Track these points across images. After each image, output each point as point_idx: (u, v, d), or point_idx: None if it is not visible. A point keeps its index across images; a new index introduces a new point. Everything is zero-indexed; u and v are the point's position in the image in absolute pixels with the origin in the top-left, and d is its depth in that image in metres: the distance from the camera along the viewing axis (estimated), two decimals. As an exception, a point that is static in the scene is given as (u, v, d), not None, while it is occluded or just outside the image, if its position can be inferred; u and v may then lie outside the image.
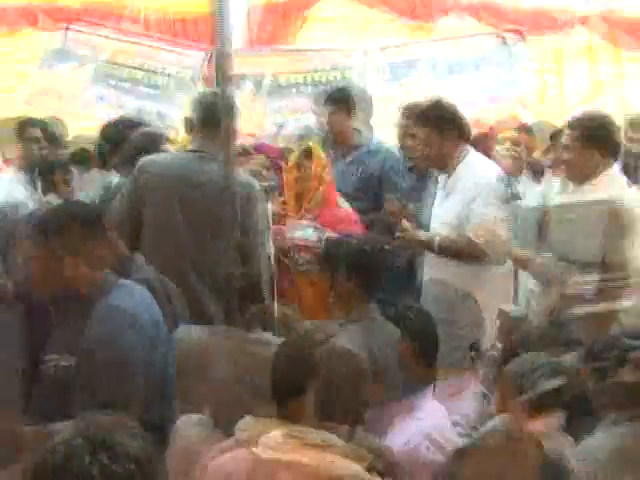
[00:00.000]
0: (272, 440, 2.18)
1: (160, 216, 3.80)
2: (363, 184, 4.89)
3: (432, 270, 4.36)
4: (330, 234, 4.34)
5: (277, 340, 2.99)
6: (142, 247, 3.80)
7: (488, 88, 6.50)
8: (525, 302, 4.31)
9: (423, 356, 3.31)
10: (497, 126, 5.08)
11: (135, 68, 6.27)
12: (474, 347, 3.42)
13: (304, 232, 4.43)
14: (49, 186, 4.46)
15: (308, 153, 4.58)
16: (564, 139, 4.13)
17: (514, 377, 2.60)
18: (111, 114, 5.87)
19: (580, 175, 4.07)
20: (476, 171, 4.22)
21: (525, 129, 4.97)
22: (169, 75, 6.24)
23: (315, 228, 4.42)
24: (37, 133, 4.79)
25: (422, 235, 4.31)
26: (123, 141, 4.39)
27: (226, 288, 3.28)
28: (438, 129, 4.21)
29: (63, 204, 3.19)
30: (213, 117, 3.68)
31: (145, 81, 6.29)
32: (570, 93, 7.44)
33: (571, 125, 4.12)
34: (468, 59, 6.58)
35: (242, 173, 3.86)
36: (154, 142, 4.36)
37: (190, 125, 4.03)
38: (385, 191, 4.90)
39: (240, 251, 3.57)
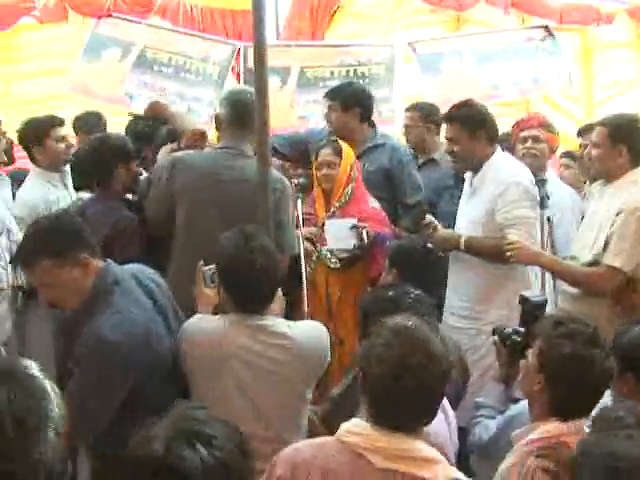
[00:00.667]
0: (387, 449, 2.14)
1: (193, 214, 3.83)
2: (368, 181, 4.80)
3: (457, 266, 4.36)
4: (371, 233, 4.34)
5: (290, 330, 3.01)
6: (175, 245, 3.87)
7: (517, 81, 6.45)
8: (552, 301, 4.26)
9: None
10: (520, 124, 4.99)
11: (175, 54, 6.27)
12: (497, 331, 3.43)
13: (345, 241, 4.41)
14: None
15: (337, 149, 4.60)
16: (594, 136, 4.13)
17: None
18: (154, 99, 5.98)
19: (607, 173, 4.07)
20: (505, 170, 4.21)
21: (547, 126, 4.88)
22: (198, 69, 6.24)
23: (355, 226, 4.39)
24: (63, 132, 4.79)
25: (449, 234, 4.30)
26: (149, 137, 4.42)
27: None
28: (468, 128, 4.23)
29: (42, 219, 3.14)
30: (243, 114, 3.76)
31: (188, 67, 6.27)
32: (598, 89, 7.40)
33: (599, 122, 4.14)
34: (496, 52, 6.52)
35: (273, 170, 3.86)
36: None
37: (220, 122, 4.04)
38: (397, 184, 4.92)
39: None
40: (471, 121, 4.24)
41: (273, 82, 6.25)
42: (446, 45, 6.71)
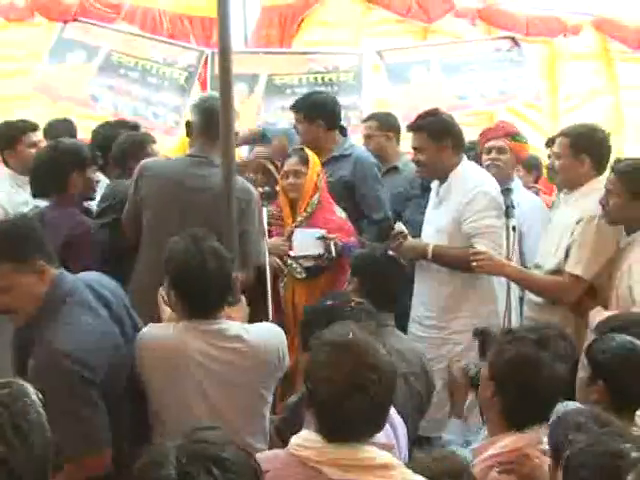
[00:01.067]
0: (341, 460, 2.10)
1: (156, 220, 3.83)
2: (331, 190, 4.77)
3: (423, 275, 4.37)
4: (339, 244, 4.33)
5: (245, 333, 2.98)
6: (141, 250, 3.88)
7: (484, 91, 6.50)
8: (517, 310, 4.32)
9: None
10: (486, 133, 4.99)
11: (142, 58, 6.24)
12: (478, 332, 3.38)
13: (311, 250, 4.39)
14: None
15: (304, 158, 4.57)
16: (556, 147, 4.19)
17: None
18: (119, 103, 5.98)
19: (571, 182, 4.11)
20: (471, 179, 4.23)
21: (513, 135, 4.90)
22: (164, 74, 6.22)
23: (323, 237, 4.37)
24: (35, 137, 4.77)
25: (416, 243, 4.30)
26: (111, 143, 4.43)
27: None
28: (434, 137, 4.24)
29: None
30: (212, 122, 3.71)
31: (154, 72, 6.24)
32: (563, 100, 7.46)
33: (564, 133, 4.18)
34: (463, 63, 6.55)
35: (240, 179, 3.84)
36: (141, 144, 4.44)
37: (190, 129, 4.03)
38: (359, 197, 4.89)
39: (238, 256, 3.60)
40: (437, 130, 4.26)
41: (240, 89, 6.27)
42: (414, 54, 6.74)
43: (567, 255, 3.94)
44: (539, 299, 4.09)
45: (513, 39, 6.75)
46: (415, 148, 4.38)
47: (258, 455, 2.11)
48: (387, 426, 2.41)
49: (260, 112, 6.36)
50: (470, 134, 4.98)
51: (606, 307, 3.73)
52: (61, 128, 5.28)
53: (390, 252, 3.69)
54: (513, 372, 2.54)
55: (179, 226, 3.57)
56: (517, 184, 4.88)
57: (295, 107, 5.04)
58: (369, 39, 7.27)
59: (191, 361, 2.92)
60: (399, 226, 4.34)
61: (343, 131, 5.10)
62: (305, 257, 4.41)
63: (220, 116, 3.51)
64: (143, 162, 3.95)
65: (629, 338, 2.63)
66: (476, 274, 4.12)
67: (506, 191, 4.20)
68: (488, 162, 4.80)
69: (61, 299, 2.82)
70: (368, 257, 3.70)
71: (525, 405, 2.52)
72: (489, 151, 4.85)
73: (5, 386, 1.73)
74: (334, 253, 4.33)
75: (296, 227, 4.49)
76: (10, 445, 1.63)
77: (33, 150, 4.64)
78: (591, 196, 3.92)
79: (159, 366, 2.93)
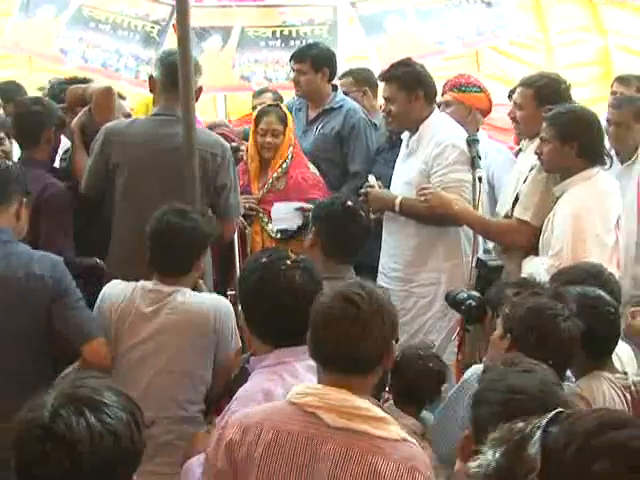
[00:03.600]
0: (340, 407, 2.11)
1: (131, 185, 3.82)
2: (322, 143, 4.88)
3: (390, 227, 4.38)
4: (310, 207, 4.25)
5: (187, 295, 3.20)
6: (116, 217, 3.87)
7: (461, 34, 6.39)
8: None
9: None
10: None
11: (113, 13, 6.15)
12: (450, 297, 3.45)
13: (291, 222, 4.41)
14: None
15: (282, 117, 4.55)
16: (517, 97, 4.17)
17: None
18: (89, 55, 5.92)
19: (531, 132, 4.09)
20: (441, 131, 4.22)
21: (459, 87, 4.79)
22: (136, 27, 6.14)
23: (296, 209, 4.40)
24: None
25: (385, 194, 4.30)
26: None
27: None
28: (405, 87, 4.23)
29: None
30: (177, 77, 3.67)
31: (125, 25, 6.17)
32: (553, 35, 7.42)
33: (522, 83, 4.17)
34: (439, 9, 6.45)
35: (212, 134, 3.94)
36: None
37: (153, 85, 3.98)
38: (345, 149, 4.92)
39: (214, 211, 3.76)
40: (408, 81, 4.25)
41: (214, 41, 6.26)
42: (388, 4, 6.61)
43: (516, 200, 3.96)
44: (498, 248, 4.10)
45: None
46: (386, 98, 4.36)
47: (257, 406, 2.28)
48: None
49: (235, 65, 6.30)
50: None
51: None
52: (10, 90, 5.22)
53: (349, 202, 3.63)
54: (532, 323, 2.53)
55: (157, 188, 3.70)
56: (482, 135, 4.82)
57: (299, 57, 5.04)
58: None
59: (134, 317, 3.18)
60: (371, 179, 4.35)
61: (333, 85, 5.12)
62: (285, 231, 4.41)
63: (179, 69, 3.53)
64: (108, 125, 3.89)
65: (544, 300, 2.62)
66: (443, 228, 4.14)
67: (472, 142, 4.19)
68: None
69: None
70: (326, 206, 3.66)
71: (543, 361, 2.35)
72: (438, 105, 4.77)
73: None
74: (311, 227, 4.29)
75: (270, 189, 4.53)
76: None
77: None
78: None
79: (113, 318, 3.22)
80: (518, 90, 4.17)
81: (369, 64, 6.17)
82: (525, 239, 3.93)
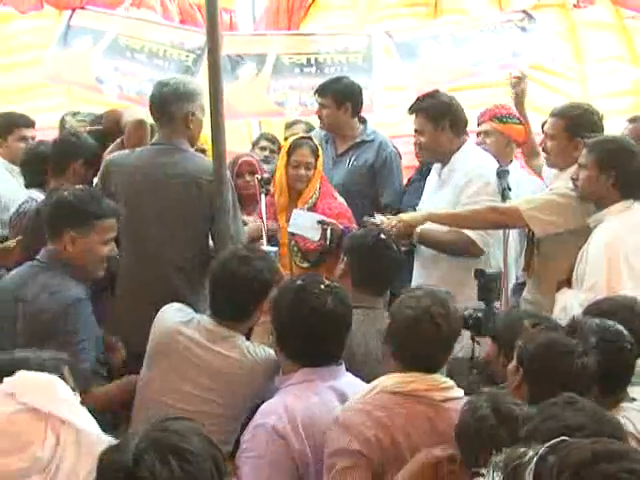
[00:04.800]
0: (435, 384, 2.65)
1: (131, 213, 3.82)
2: (355, 176, 4.88)
3: (421, 259, 4.33)
4: (337, 230, 4.31)
5: (243, 350, 3.16)
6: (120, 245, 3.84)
7: (497, 56, 6.24)
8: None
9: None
10: (478, 119, 4.93)
11: (149, 41, 6.18)
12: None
13: (308, 231, 4.38)
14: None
15: (314, 150, 4.56)
16: (547, 127, 4.17)
17: None
18: (124, 84, 5.94)
19: (562, 163, 4.06)
20: (470, 161, 4.19)
21: (500, 118, 4.81)
22: (171, 55, 6.15)
23: (322, 221, 4.35)
24: (29, 132, 4.96)
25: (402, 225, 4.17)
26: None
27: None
28: (432, 118, 4.24)
29: None
30: (162, 108, 3.83)
31: (161, 55, 6.18)
32: (589, 66, 7.33)
33: (554, 113, 4.13)
34: (474, 33, 6.35)
35: (201, 158, 3.98)
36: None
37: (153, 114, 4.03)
38: (378, 182, 4.94)
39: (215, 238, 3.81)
40: (435, 112, 4.25)
41: (249, 69, 6.25)
42: (423, 31, 6.59)
43: None
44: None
45: (524, 11, 6.52)
46: (416, 130, 4.37)
47: (356, 406, 2.62)
48: None
49: (269, 91, 6.29)
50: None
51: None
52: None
53: (382, 235, 3.66)
54: (543, 358, 2.54)
55: (155, 215, 3.75)
56: (515, 166, 4.81)
57: (322, 91, 5.04)
58: (377, 24, 7.17)
59: (179, 345, 3.16)
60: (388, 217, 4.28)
61: (361, 118, 5.14)
62: (302, 236, 4.37)
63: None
64: (108, 158, 3.94)
65: (557, 335, 2.65)
66: (473, 261, 4.06)
67: (502, 173, 4.14)
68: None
69: None
70: (359, 238, 3.69)
71: (554, 396, 2.39)
72: (477, 136, 4.81)
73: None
74: (329, 240, 4.29)
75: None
76: None
77: (22, 144, 4.81)
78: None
79: (154, 339, 3.24)
80: (550, 120, 4.14)
81: (407, 93, 6.03)
82: (502, 219, 3.91)
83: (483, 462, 1.69)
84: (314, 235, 4.34)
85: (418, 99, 4.39)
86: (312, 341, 2.77)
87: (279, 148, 5.48)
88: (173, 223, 3.72)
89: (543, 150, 4.31)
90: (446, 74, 6.03)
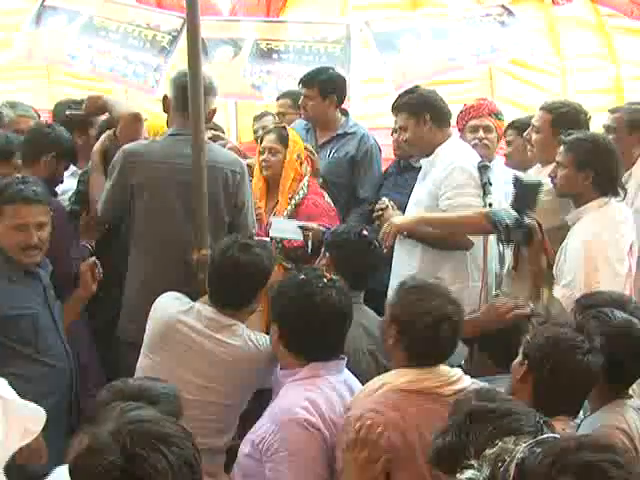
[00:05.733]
0: (446, 379, 2.65)
1: (155, 205, 3.77)
2: (335, 167, 4.85)
3: (399, 251, 4.29)
4: (316, 231, 4.25)
5: (242, 338, 3.14)
6: (134, 239, 3.84)
7: (475, 51, 6.28)
8: (493, 285, 4.25)
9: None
10: (470, 111, 4.87)
11: (124, 22, 6.12)
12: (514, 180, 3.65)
13: (290, 235, 4.32)
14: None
15: (283, 137, 4.49)
16: (534, 119, 4.15)
17: None
18: (97, 60, 5.90)
19: (545, 158, 4.06)
20: (451, 154, 4.16)
21: (497, 114, 4.84)
22: (146, 36, 6.10)
23: (299, 227, 4.30)
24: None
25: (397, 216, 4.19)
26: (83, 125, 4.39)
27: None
28: (413, 114, 4.20)
29: None
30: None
31: (136, 35, 6.12)
32: (568, 60, 7.34)
33: (542, 107, 4.13)
34: (453, 27, 6.36)
35: (230, 152, 4.00)
36: None
37: (168, 105, 3.95)
38: (357, 174, 4.90)
39: (234, 229, 3.85)
40: (415, 106, 4.20)
41: (225, 51, 6.25)
42: (402, 23, 6.52)
43: None
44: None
45: (503, 6, 6.51)
46: (400, 128, 4.34)
47: (366, 404, 2.58)
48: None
49: (245, 74, 6.28)
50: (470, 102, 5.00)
51: None
52: None
53: (365, 232, 3.66)
54: (549, 352, 2.54)
55: (179, 208, 3.73)
56: (498, 161, 4.80)
57: (308, 82, 4.97)
58: (356, 13, 7.10)
59: (179, 333, 3.14)
60: (384, 200, 4.33)
61: (343, 110, 5.12)
62: (284, 239, 4.33)
63: (189, 86, 3.56)
64: (126, 148, 3.85)
65: (564, 329, 2.63)
66: (449, 252, 4.07)
67: (483, 167, 4.10)
68: (475, 141, 4.72)
69: None
70: (341, 234, 3.69)
71: (557, 391, 2.50)
72: (475, 129, 4.75)
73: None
74: (309, 248, 4.24)
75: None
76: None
77: None
78: None
79: (154, 327, 3.22)
80: (537, 113, 4.14)
81: (384, 86, 6.13)
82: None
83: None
84: (293, 236, 4.30)
85: (399, 96, 4.37)
86: (319, 335, 2.79)
87: None
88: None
89: (527, 142, 4.31)
90: (425, 68, 6.01)
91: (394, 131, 4.75)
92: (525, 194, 3.57)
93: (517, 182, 3.61)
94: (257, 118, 5.99)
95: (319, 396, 2.71)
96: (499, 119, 4.83)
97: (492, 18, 6.46)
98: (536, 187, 3.61)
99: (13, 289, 3.40)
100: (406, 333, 2.65)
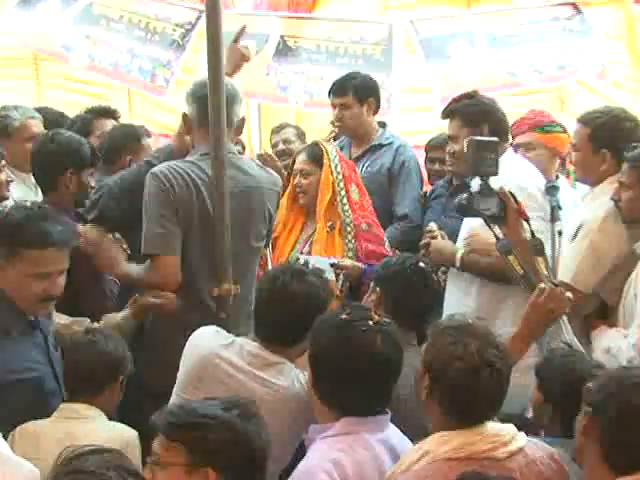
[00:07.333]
0: (498, 439, 2.38)
1: (202, 231, 3.47)
2: (369, 181, 4.51)
3: (452, 286, 3.92)
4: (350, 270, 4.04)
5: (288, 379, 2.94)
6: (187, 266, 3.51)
7: (539, 67, 5.88)
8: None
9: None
10: (512, 129, 4.35)
11: (129, 12, 5.75)
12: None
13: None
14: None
15: (315, 156, 4.15)
16: (573, 136, 3.88)
17: None
18: (97, 53, 5.59)
19: (590, 178, 3.77)
20: (508, 172, 3.65)
21: (542, 127, 4.34)
22: (155, 28, 5.74)
23: (335, 265, 4.04)
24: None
25: (448, 246, 3.87)
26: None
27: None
28: (468, 123, 3.81)
29: None
30: None
31: (142, 25, 5.78)
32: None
33: (578, 119, 3.81)
34: (514, 34, 5.92)
35: (271, 171, 3.75)
36: (135, 137, 4.10)
37: (189, 123, 3.55)
38: (394, 189, 4.64)
39: None
40: (472, 115, 3.84)
41: (247, 46, 5.69)
42: (454, 25, 6.06)
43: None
44: None
45: (574, 5, 5.96)
46: (449, 137, 3.96)
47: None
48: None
49: (269, 73, 5.90)
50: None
51: (613, 324, 3.46)
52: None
53: (422, 264, 3.38)
54: (614, 392, 2.28)
55: (234, 233, 3.49)
56: (563, 183, 4.33)
57: (340, 89, 4.66)
58: (399, 11, 6.63)
59: (217, 369, 2.93)
60: (432, 226, 4.00)
61: (380, 122, 4.86)
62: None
63: (209, 92, 3.27)
64: (155, 171, 3.44)
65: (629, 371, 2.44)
66: (510, 288, 3.55)
67: (550, 189, 3.76)
68: None
69: None
70: (395, 266, 3.41)
71: (628, 436, 2.24)
72: (516, 149, 4.33)
73: None
74: (339, 287, 4.00)
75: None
76: None
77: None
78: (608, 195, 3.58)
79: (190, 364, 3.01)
80: (575, 127, 3.83)
81: (431, 97, 5.84)
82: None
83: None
84: (329, 275, 3.89)
85: (454, 100, 3.95)
86: (356, 387, 2.57)
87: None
88: (245, 235, 3.51)
89: (570, 162, 4.10)
90: (478, 80, 5.57)
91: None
92: (483, 154, 3.19)
93: (471, 142, 3.21)
94: (275, 130, 5.79)
95: (347, 457, 2.50)
96: (546, 132, 4.40)
97: (560, 24, 6.05)
98: (494, 145, 3.23)
99: (13, 347, 2.94)
100: (438, 381, 2.43)
